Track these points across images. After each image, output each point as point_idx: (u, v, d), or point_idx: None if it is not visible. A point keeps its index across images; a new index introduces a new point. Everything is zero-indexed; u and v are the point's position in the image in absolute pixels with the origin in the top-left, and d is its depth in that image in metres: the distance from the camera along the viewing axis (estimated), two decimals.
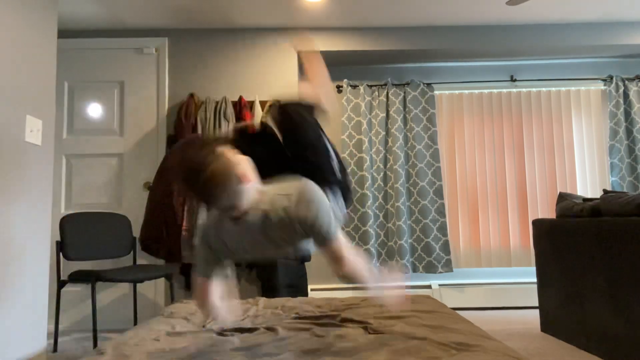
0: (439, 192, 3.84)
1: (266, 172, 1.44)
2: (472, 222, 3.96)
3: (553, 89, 4.06)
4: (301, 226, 1.33)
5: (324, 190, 1.45)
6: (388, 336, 1.56)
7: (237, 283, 3.45)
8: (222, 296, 1.53)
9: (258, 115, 3.47)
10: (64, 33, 3.62)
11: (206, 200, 1.31)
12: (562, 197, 2.94)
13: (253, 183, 1.34)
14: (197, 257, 1.49)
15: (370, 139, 3.91)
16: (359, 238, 3.79)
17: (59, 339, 3.10)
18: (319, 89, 1.52)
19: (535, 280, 3.82)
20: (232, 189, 1.28)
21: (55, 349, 2.78)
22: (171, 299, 3.10)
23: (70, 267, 3.43)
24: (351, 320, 1.80)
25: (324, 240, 1.38)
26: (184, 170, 1.29)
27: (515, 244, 3.92)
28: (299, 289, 3.20)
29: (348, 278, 1.41)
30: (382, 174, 3.90)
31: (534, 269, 3.97)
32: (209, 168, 1.25)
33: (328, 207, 1.38)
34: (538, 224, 3.03)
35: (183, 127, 3.37)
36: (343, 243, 1.40)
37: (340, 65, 4.09)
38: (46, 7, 2.33)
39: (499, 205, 3.96)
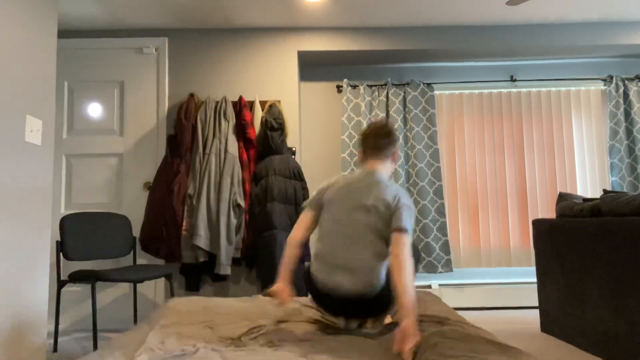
0: (439, 192, 3.84)
1: None
2: (472, 222, 3.96)
3: (553, 89, 4.06)
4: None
5: None
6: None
7: (237, 282, 3.46)
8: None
9: (258, 116, 3.47)
10: (64, 33, 3.62)
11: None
12: (562, 197, 2.94)
13: None
14: None
15: None
16: None
17: (59, 339, 3.10)
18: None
19: (535, 280, 3.82)
20: None
21: (55, 349, 2.78)
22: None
23: (70, 267, 3.43)
24: None
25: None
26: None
27: (515, 244, 3.92)
28: (299, 289, 3.20)
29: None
30: None
31: (534, 269, 3.97)
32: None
33: None
34: (538, 224, 3.03)
35: (183, 127, 3.37)
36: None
37: (340, 65, 4.09)
38: (46, 7, 2.33)
39: (499, 205, 3.96)
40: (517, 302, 3.76)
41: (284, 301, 1.78)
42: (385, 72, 4.10)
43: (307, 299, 2.26)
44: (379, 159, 1.88)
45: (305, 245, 3.31)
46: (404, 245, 1.63)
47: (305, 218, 1.90)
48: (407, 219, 1.70)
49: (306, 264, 3.53)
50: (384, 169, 1.88)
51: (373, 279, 1.67)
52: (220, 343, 1.55)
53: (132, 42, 3.62)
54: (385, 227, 1.72)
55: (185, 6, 3.31)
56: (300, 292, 3.22)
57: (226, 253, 3.21)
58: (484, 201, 3.97)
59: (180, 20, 3.53)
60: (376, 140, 1.89)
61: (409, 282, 1.55)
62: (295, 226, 1.90)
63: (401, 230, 1.66)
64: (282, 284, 1.80)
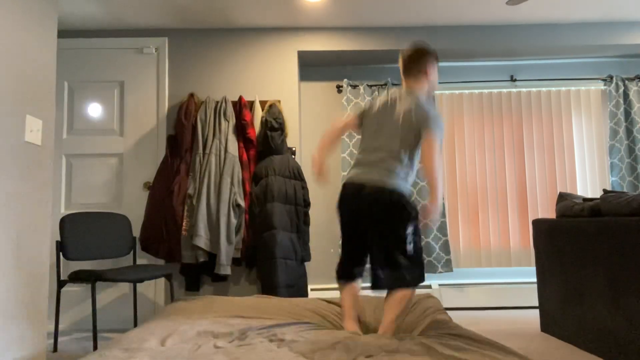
0: None
1: None
2: (472, 222, 3.96)
3: (553, 89, 4.06)
4: None
5: None
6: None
7: (238, 282, 3.46)
8: None
9: (258, 116, 3.47)
10: (64, 33, 3.62)
11: None
12: (562, 197, 2.94)
13: None
14: None
15: None
16: None
17: (59, 339, 3.10)
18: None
19: (535, 280, 3.82)
20: None
21: (55, 349, 2.78)
22: (171, 298, 3.10)
23: (70, 267, 3.43)
24: None
25: None
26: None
27: (515, 244, 3.92)
28: (299, 288, 3.20)
29: None
30: None
31: (534, 269, 3.97)
32: None
33: None
34: (538, 224, 3.03)
35: (183, 127, 3.37)
36: None
37: (340, 65, 4.09)
38: (46, 7, 2.33)
39: (499, 205, 3.96)
40: (517, 302, 3.76)
41: (318, 171, 2.15)
42: (385, 72, 4.10)
43: (307, 300, 2.25)
44: (411, 79, 2.16)
45: (305, 245, 3.31)
46: (433, 145, 1.95)
47: (348, 118, 2.22)
48: (436, 128, 1.98)
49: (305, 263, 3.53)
50: (418, 87, 2.14)
51: (394, 177, 1.96)
52: (223, 340, 1.55)
53: (132, 42, 3.62)
54: (413, 137, 2.00)
55: (185, 6, 3.31)
56: (300, 292, 3.22)
57: (226, 253, 3.21)
58: (484, 201, 3.97)
59: (180, 20, 3.53)
60: (405, 64, 2.17)
61: (436, 172, 1.90)
62: (343, 120, 2.22)
63: (430, 135, 1.96)
64: (318, 157, 2.16)
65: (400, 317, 1.90)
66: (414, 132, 1.99)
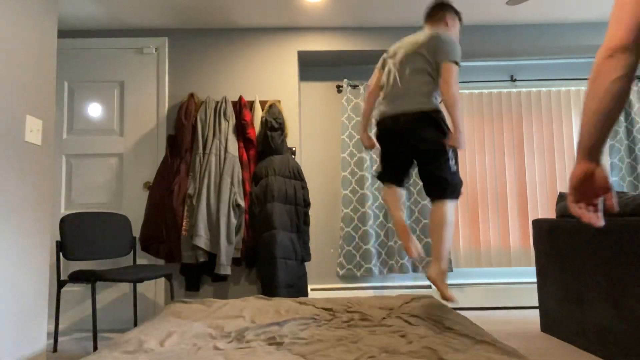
0: None
1: None
2: (472, 222, 3.96)
3: (553, 89, 4.06)
4: None
5: None
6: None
7: (237, 282, 3.46)
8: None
9: (258, 115, 3.47)
10: (64, 33, 3.62)
11: None
12: (562, 197, 2.94)
13: None
14: None
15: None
16: (359, 238, 3.79)
17: (59, 339, 3.10)
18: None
19: (535, 280, 3.82)
20: None
21: (55, 349, 2.78)
22: (171, 298, 3.10)
23: (70, 267, 3.43)
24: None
25: None
26: None
27: (515, 244, 3.92)
28: (299, 288, 3.20)
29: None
30: None
31: (534, 269, 3.97)
32: None
33: None
34: (538, 224, 3.03)
35: (183, 127, 3.37)
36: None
37: (340, 65, 4.09)
38: (46, 7, 2.33)
39: (499, 205, 3.96)
40: (517, 302, 3.76)
41: (369, 146, 2.50)
42: None
43: (307, 299, 2.26)
44: (430, 24, 2.42)
45: (305, 245, 3.31)
46: (450, 72, 2.15)
47: (375, 76, 2.48)
48: (452, 52, 2.18)
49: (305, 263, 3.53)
50: (436, 29, 2.36)
51: (425, 98, 2.19)
52: (222, 341, 1.55)
53: (132, 42, 3.62)
54: (435, 62, 2.21)
55: (185, 6, 3.31)
56: (300, 292, 3.22)
57: (226, 253, 3.21)
58: (484, 201, 3.97)
59: (180, 20, 3.53)
60: (427, 12, 2.45)
61: (455, 101, 2.11)
62: (370, 83, 2.50)
63: (447, 60, 2.16)
64: (364, 134, 2.53)
65: (447, 248, 2.16)
66: (433, 60, 2.21)
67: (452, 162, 2.20)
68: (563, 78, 4.07)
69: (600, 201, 1.04)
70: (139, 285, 3.44)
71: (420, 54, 2.24)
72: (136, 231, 3.47)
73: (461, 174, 3.99)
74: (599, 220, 1.03)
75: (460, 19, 2.45)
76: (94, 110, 3.58)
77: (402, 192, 2.40)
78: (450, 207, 2.18)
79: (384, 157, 2.37)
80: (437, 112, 2.19)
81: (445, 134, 2.18)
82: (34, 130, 2.19)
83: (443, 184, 2.18)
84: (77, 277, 2.67)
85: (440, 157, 2.18)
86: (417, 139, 2.17)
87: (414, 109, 2.18)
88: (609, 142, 3.91)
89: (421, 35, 2.30)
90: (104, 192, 3.53)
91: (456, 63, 2.18)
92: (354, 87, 3.96)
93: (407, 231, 2.29)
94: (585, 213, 1.04)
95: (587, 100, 1.01)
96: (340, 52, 3.75)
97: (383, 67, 2.46)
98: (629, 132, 3.92)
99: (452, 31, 2.39)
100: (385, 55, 2.47)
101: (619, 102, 0.97)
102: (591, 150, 1.00)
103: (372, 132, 3.70)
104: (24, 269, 2.10)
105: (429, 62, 2.21)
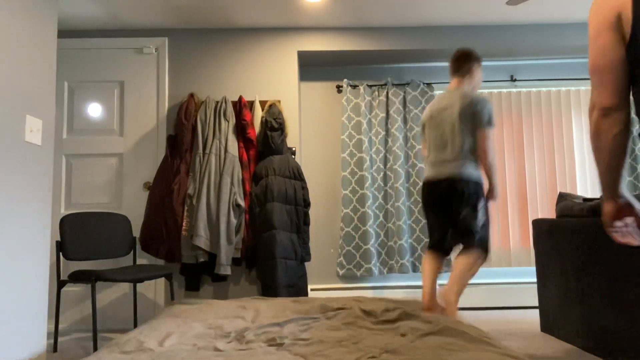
0: None
1: None
2: None
3: (553, 89, 4.06)
4: None
5: None
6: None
7: (237, 282, 3.46)
8: None
9: (258, 115, 3.47)
10: (64, 33, 3.62)
11: None
12: (562, 197, 2.94)
13: None
14: None
15: (370, 139, 3.92)
16: (359, 238, 3.79)
17: (59, 339, 3.10)
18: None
19: (535, 280, 3.82)
20: None
21: (55, 349, 2.78)
22: (171, 298, 3.10)
23: (70, 267, 3.43)
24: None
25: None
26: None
27: (515, 244, 3.92)
28: (299, 288, 3.20)
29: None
30: (382, 174, 3.90)
31: (534, 269, 3.97)
32: None
33: None
34: (538, 224, 3.03)
35: (183, 127, 3.37)
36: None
37: (340, 65, 4.09)
38: (46, 7, 2.33)
39: (499, 205, 3.96)
40: (517, 302, 3.76)
41: None
42: (385, 72, 4.10)
43: (307, 299, 2.26)
44: (456, 77, 2.62)
45: (305, 245, 3.31)
46: (486, 138, 2.43)
47: (423, 144, 2.73)
48: (486, 116, 2.44)
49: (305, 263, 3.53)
50: (464, 84, 2.60)
51: (461, 166, 2.43)
52: (222, 341, 1.55)
53: (132, 42, 3.62)
54: (469, 128, 2.45)
55: (185, 6, 3.31)
56: (300, 292, 3.22)
57: (226, 253, 3.21)
58: None
59: (180, 20, 3.52)
60: (453, 64, 2.63)
61: (490, 160, 2.42)
62: (422, 152, 2.83)
63: (482, 127, 2.43)
64: None
65: (461, 290, 2.34)
66: (469, 126, 2.46)
67: (480, 218, 2.44)
68: (563, 78, 4.07)
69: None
70: (139, 285, 3.44)
71: (457, 121, 2.47)
72: (136, 231, 3.47)
73: None
74: (636, 240, 1.19)
75: (480, 63, 2.66)
76: (94, 110, 3.58)
77: (440, 263, 2.54)
78: (476, 258, 2.38)
79: (427, 219, 2.61)
80: (471, 181, 2.43)
81: (479, 195, 2.44)
82: (34, 130, 2.19)
83: (471, 235, 2.42)
84: (77, 277, 2.67)
85: (473, 212, 2.43)
86: (456, 202, 2.43)
87: (453, 176, 2.43)
88: None
89: (456, 100, 2.51)
90: (104, 192, 3.53)
91: (490, 124, 2.45)
92: (354, 87, 3.96)
93: (432, 306, 2.41)
94: (623, 237, 1.20)
95: (595, 154, 1.18)
96: (340, 52, 3.75)
97: (423, 127, 2.69)
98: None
99: (476, 79, 2.62)
100: (423, 120, 2.69)
101: (624, 152, 1.14)
102: (613, 191, 1.19)
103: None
104: (24, 269, 2.10)
105: (465, 127, 2.46)
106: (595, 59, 1.15)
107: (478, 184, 2.44)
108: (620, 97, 1.12)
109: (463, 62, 2.60)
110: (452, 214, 2.46)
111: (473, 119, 2.44)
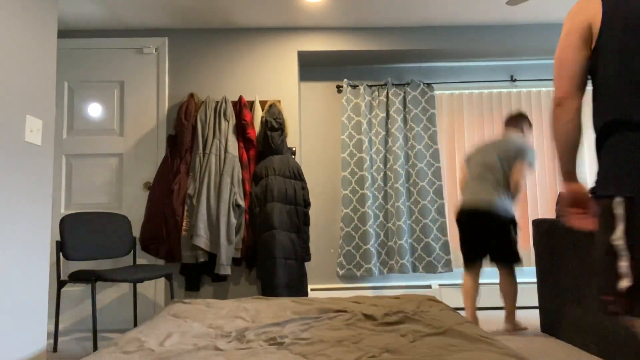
0: (439, 192, 3.84)
1: None
2: None
3: (553, 89, 4.06)
4: None
5: None
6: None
7: (237, 282, 3.46)
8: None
9: (258, 115, 3.47)
10: (64, 33, 3.62)
11: None
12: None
13: None
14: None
15: (370, 139, 3.92)
16: (359, 238, 3.79)
17: (59, 339, 3.10)
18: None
19: (535, 280, 3.82)
20: None
21: (55, 349, 2.78)
22: (171, 298, 3.10)
23: (70, 267, 3.43)
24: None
25: None
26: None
27: None
28: (299, 288, 3.20)
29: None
30: (382, 174, 3.90)
31: (534, 269, 3.97)
32: None
33: None
34: (538, 224, 3.03)
35: (183, 127, 3.37)
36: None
37: (340, 65, 4.09)
38: (46, 7, 2.33)
39: None
40: (517, 302, 3.75)
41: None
42: (385, 72, 4.10)
43: (307, 299, 2.26)
44: (510, 127, 3.14)
45: (305, 245, 3.31)
46: (521, 168, 2.88)
47: (461, 172, 3.21)
48: (528, 157, 2.88)
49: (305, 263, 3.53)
50: (514, 134, 3.08)
51: (495, 200, 2.88)
52: (223, 341, 1.55)
53: (132, 42, 3.62)
54: (507, 166, 2.91)
55: (185, 6, 3.31)
56: (300, 292, 3.22)
57: (226, 253, 3.21)
58: None
59: (180, 20, 3.53)
60: (507, 120, 3.17)
61: (519, 189, 2.89)
62: (459, 179, 3.34)
63: (522, 163, 2.88)
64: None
65: (514, 305, 2.93)
66: (507, 162, 2.90)
67: (514, 242, 2.91)
68: None
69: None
70: (139, 285, 3.44)
71: (499, 155, 2.93)
72: (136, 231, 3.47)
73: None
74: (591, 225, 1.31)
75: (531, 127, 3.14)
76: (94, 110, 3.58)
77: (478, 281, 2.97)
78: (515, 273, 2.93)
79: (464, 242, 3.02)
80: (505, 212, 2.87)
81: (509, 226, 2.89)
82: (34, 130, 2.19)
83: (510, 255, 2.90)
84: (77, 277, 2.67)
85: (507, 236, 2.88)
86: (491, 228, 2.89)
87: (489, 207, 2.88)
88: None
89: (503, 141, 3.01)
90: (104, 192, 3.53)
91: (529, 164, 2.87)
92: (354, 87, 3.96)
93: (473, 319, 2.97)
94: (579, 221, 1.34)
95: (554, 140, 1.34)
96: (340, 52, 3.75)
97: (467, 160, 3.15)
98: None
99: (523, 133, 3.08)
100: (469, 153, 3.17)
101: (576, 136, 1.31)
102: (569, 173, 1.34)
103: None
104: (24, 269, 2.10)
105: (506, 163, 2.91)
106: (560, 53, 1.31)
107: (508, 214, 2.89)
108: (573, 90, 1.29)
109: (516, 121, 3.10)
110: (491, 240, 2.91)
111: (516, 156, 2.88)
